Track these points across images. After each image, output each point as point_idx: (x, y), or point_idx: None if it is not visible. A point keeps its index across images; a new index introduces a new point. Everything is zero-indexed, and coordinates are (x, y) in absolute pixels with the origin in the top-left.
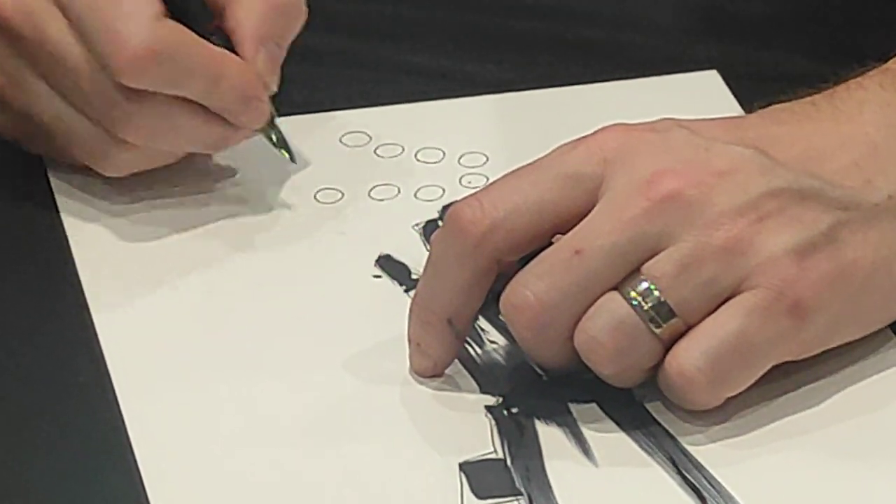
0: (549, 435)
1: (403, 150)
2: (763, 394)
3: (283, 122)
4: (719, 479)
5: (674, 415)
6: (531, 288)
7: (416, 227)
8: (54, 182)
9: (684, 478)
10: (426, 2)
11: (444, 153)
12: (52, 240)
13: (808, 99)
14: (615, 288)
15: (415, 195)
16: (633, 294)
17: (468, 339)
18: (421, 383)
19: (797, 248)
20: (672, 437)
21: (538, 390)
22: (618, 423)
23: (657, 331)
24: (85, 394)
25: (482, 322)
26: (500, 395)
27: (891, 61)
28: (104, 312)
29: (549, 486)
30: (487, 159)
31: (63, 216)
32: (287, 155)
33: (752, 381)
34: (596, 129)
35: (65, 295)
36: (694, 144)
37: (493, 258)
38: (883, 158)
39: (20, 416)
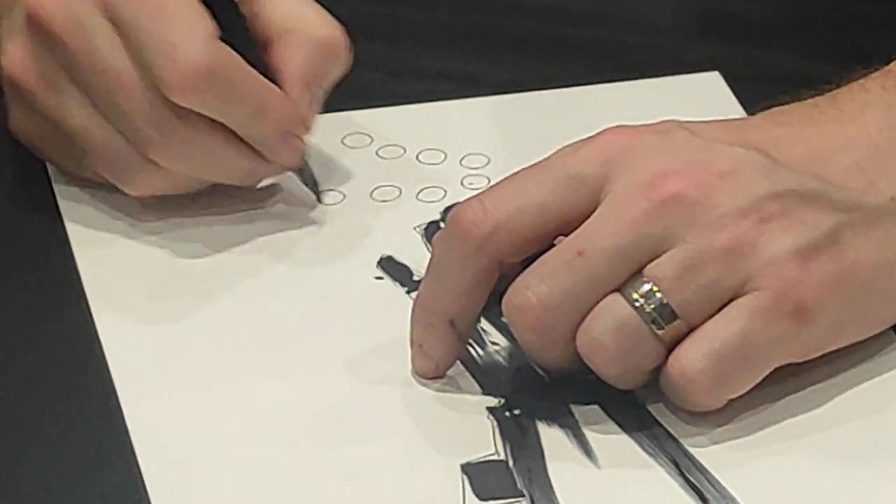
0: (551, 436)
1: (405, 151)
2: (765, 396)
3: None
4: (721, 481)
5: (676, 416)
6: (533, 289)
7: (417, 229)
8: (56, 183)
9: (686, 479)
10: (427, 3)
11: (445, 154)
12: (53, 240)
13: (811, 101)
14: (617, 289)
15: (416, 196)
16: (635, 296)
17: (470, 340)
18: (423, 385)
19: (799, 250)
20: (674, 438)
21: (540, 392)
22: (620, 425)
23: (659, 332)
24: (86, 394)
25: (484, 323)
26: (502, 397)
27: (893, 63)
28: (106, 312)
29: (551, 488)
30: (489, 161)
31: (65, 216)
32: (316, 195)
33: (755, 382)
34: (598, 130)
35: (66, 295)
36: (696, 146)
37: (495, 260)
38: (885, 160)
39: (21, 416)
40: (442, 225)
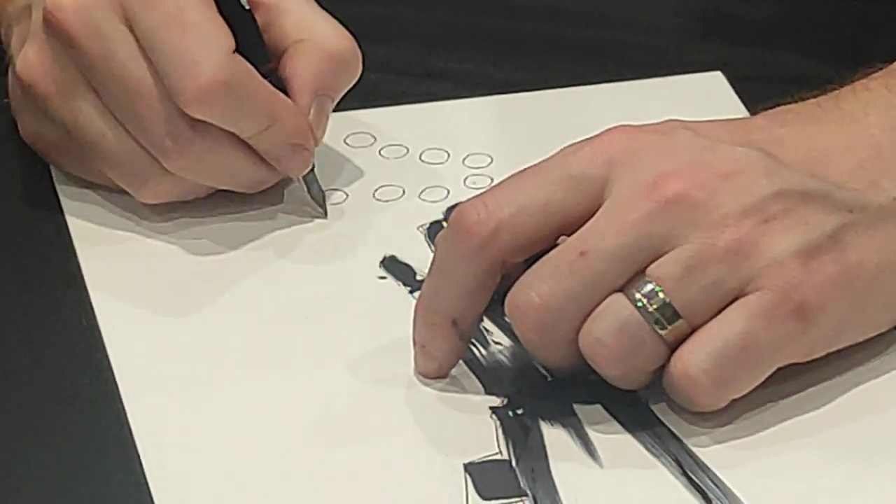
0: (554, 436)
1: (408, 150)
2: (768, 395)
3: None
4: (724, 481)
5: (679, 416)
6: (536, 289)
7: (420, 229)
8: (58, 182)
9: (689, 479)
10: (428, 3)
11: (448, 154)
12: (56, 238)
13: (814, 101)
14: (620, 290)
15: (419, 196)
16: (637, 296)
17: (473, 340)
18: (426, 384)
19: (802, 250)
20: (677, 438)
21: (543, 391)
22: (623, 425)
23: (662, 332)
24: (89, 393)
25: (487, 323)
26: (504, 397)
27: None
28: (109, 311)
29: (554, 487)
30: (492, 160)
31: (67, 214)
32: (321, 209)
33: (758, 382)
34: (601, 130)
35: (69, 293)
36: (699, 146)
37: (497, 259)
38: (888, 160)
39: (23, 415)
40: (444, 225)
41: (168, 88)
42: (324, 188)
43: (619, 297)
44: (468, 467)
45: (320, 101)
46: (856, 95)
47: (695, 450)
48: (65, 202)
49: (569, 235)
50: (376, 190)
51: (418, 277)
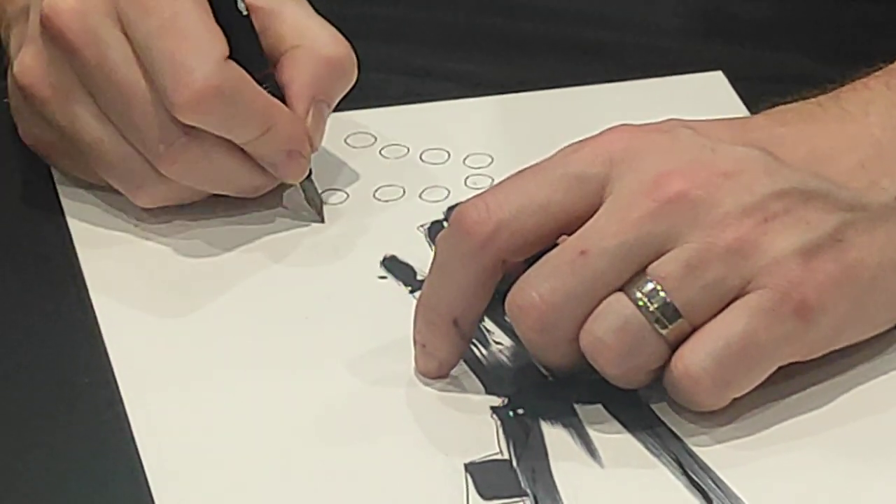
0: (555, 436)
1: (408, 150)
2: (769, 395)
3: None
4: (725, 480)
5: (679, 416)
6: (537, 289)
7: (421, 228)
8: (59, 183)
9: (690, 479)
10: (428, 3)
11: (449, 154)
12: (57, 239)
13: (814, 100)
14: (621, 289)
15: (420, 196)
16: (638, 295)
17: (474, 340)
18: (426, 384)
19: (803, 249)
20: (678, 438)
21: (544, 391)
22: (623, 424)
23: (663, 332)
24: (90, 393)
25: (488, 323)
26: (505, 396)
27: None
28: (109, 311)
29: (555, 487)
30: (492, 160)
31: (68, 216)
32: (318, 214)
33: (758, 382)
34: (601, 129)
35: (69, 294)
36: (700, 145)
37: (498, 259)
38: (889, 159)
39: (23, 415)
40: (445, 224)
41: (161, 94)
42: (324, 189)
43: (620, 296)
44: (469, 467)
45: (317, 107)
46: (856, 94)
47: (695, 449)
48: (65, 203)
49: (569, 235)
50: (377, 190)
51: (419, 277)
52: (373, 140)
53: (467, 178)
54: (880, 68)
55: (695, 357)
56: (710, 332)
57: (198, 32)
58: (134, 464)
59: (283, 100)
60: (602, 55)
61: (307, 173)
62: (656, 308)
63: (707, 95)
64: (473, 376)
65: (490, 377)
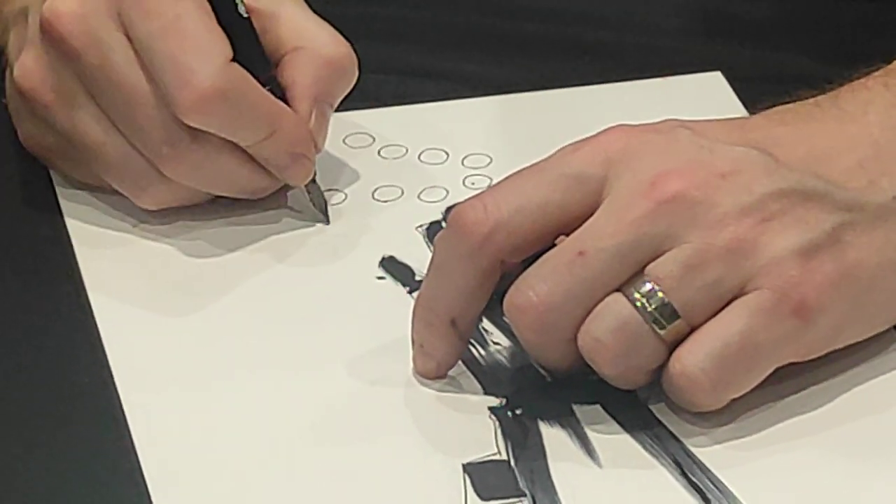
0: (553, 436)
1: (407, 151)
2: (767, 395)
3: None
4: (724, 481)
5: (678, 416)
6: (535, 289)
7: (419, 229)
8: (57, 184)
9: (688, 479)
10: (428, 3)
11: (447, 154)
12: (55, 240)
13: (813, 100)
14: (619, 289)
15: (418, 196)
16: (636, 295)
17: (472, 340)
18: (424, 385)
19: (801, 250)
20: (676, 438)
21: (542, 392)
22: (622, 425)
23: (661, 332)
24: (88, 394)
25: (486, 323)
26: (503, 397)
27: (895, 62)
28: (107, 312)
29: (553, 488)
30: (491, 160)
31: (66, 216)
32: (323, 215)
33: (757, 382)
34: (600, 130)
35: (68, 295)
36: (698, 145)
37: (496, 259)
38: (887, 159)
39: (22, 415)
40: (443, 225)
41: (165, 97)
42: (325, 192)
43: (618, 296)
44: (467, 467)
45: (320, 109)
46: (855, 94)
47: (694, 450)
48: (64, 204)
49: (567, 235)
50: (375, 190)
51: (417, 277)
52: (371, 140)
53: (466, 178)
54: (879, 68)
55: (693, 357)
56: (709, 332)
57: (201, 34)
58: (133, 464)
59: (285, 102)
60: (601, 55)
61: (312, 176)
62: (654, 308)
63: (706, 96)
64: (472, 376)
65: (488, 377)
